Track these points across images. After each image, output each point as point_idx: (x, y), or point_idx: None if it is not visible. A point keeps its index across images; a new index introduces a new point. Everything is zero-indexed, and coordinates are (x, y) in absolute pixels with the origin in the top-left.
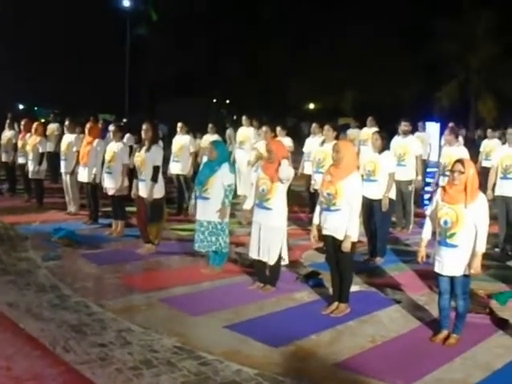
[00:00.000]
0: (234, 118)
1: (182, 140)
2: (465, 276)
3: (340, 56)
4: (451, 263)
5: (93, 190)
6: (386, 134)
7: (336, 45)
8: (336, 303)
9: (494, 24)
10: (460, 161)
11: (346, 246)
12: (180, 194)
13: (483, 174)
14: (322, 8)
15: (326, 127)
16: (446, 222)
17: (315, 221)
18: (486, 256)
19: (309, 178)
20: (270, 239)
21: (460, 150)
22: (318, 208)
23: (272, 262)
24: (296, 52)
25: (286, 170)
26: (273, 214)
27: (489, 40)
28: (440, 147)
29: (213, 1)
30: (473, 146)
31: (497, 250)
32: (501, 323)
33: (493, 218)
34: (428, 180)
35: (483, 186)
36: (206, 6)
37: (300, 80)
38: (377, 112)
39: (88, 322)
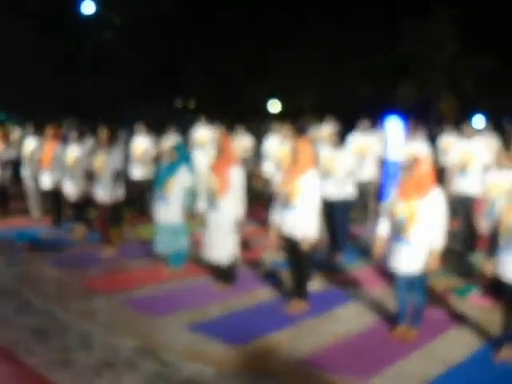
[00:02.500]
0: (198, 120)
1: (143, 143)
2: (422, 271)
3: (302, 56)
4: (407, 259)
5: (55, 195)
6: (345, 132)
7: (299, 45)
8: (295, 301)
9: (455, 24)
10: (414, 157)
11: (305, 244)
12: (141, 195)
13: (441, 170)
14: (284, 9)
15: (285, 126)
16: (401, 219)
17: (274, 219)
18: (445, 251)
19: (268, 177)
20: (223, 238)
21: (420, 146)
22: (276, 206)
23: (226, 259)
24: (257, 53)
25: (237, 179)
26: (223, 213)
27: (450, 39)
28: (401, 144)
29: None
30: (433, 143)
31: (457, 245)
32: (459, 318)
33: (452, 213)
34: (388, 177)
35: (441, 183)
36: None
37: (262, 80)
38: (338, 111)
39: (51, 325)
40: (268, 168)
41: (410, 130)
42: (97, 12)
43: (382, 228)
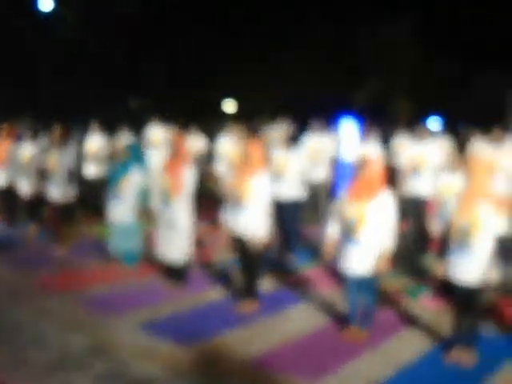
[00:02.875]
0: (154, 119)
1: (96, 141)
2: (371, 273)
3: (260, 56)
4: (357, 260)
5: (9, 194)
6: (298, 133)
7: (257, 45)
8: (247, 301)
9: (415, 27)
10: (364, 158)
11: (255, 244)
12: (95, 194)
13: (394, 171)
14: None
15: (238, 127)
16: (351, 220)
17: (225, 219)
18: (397, 253)
19: (221, 177)
20: (176, 238)
21: (373, 148)
22: (227, 206)
23: (179, 259)
24: (215, 53)
25: (189, 178)
26: (177, 213)
27: (406, 42)
28: (354, 145)
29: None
30: (387, 145)
31: (408, 247)
32: (409, 318)
33: (403, 214)
34: (342, 178)
35: (394, 184)
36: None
37: (220, 80)
38: (295, 111)
39: (3, 324)
40: (220, 168)
41: (364, 132)
42: (53, 10)
43: (332, 229)
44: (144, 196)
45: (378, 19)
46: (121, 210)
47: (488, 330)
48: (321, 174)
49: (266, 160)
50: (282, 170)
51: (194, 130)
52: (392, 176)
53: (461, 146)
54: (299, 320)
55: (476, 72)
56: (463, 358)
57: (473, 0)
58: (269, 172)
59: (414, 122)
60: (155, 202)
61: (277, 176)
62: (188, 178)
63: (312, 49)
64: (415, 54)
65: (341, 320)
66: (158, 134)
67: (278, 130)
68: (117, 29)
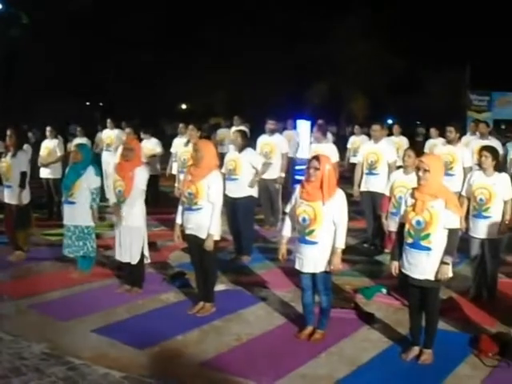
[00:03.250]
0: (108, 120)
1: (50, 144)
2: (326, 272)
3: (209, 57)
4: (311, 260)
5: None
6: (249, 133)
7: (206, 45)
8: (201, 303)
9: (366, 24)
10: (316, 157)
11: (209, 245)
12: (50, 198)
13: (351, 170)
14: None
15: (190, 127)
16: (304, 219)
17: (178, 220)
18: (354, 251)
19: (176, 178)
20: (130, 239)
21: (328, 147)
22: (180, 207)
23: (134, 261)
24: (166, 54)
25: (142, 179)
26: (131, 215)
27: (360, 40)
28: (308, 144)
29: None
30: (344, 143)
31: (365, 245)
32: (366, 317)
33: (360, 213)
34: (297, 177)
35: (350, 182)
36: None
37: (172, 82)
38: (248, 111)
39: None
40: (175, 168)
41: (319, 130)
42: (4, 10)
43: (287, 229)
44: (97, 198)
45: (328, 17)
46: (75, 214)
47: (444, 328)
48: (274, 173)
49: (218, 160)
50: (233, 168)
51: (148, 131)
52: (348, 174)
53: (415, 143)
54: (254, 321)
55: (428, 69)
56: (420, 356)
57: None
58: (221, 171)
59: (369, 118)
60: (111, 204)
61: (230, 175)
62: (141, 179)
63: (262, 48)
64: (367, 52)
65: (297, 321)
66: (111, 134)
67: (233, 130)
68: (69, 28)
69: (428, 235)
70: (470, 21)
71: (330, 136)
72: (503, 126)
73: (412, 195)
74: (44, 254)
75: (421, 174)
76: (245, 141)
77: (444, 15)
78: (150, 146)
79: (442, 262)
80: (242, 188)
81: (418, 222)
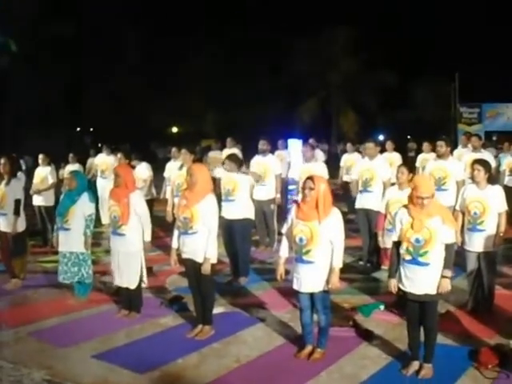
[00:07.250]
0: (99, 146)
1: (42, 172)
2: (324, 291)
3: (198, 79)
4: (309, 279)
5: None
6: (241, 154)
7: (193, 67)
8: (200, 326)
9: (353, 40)
10: (310, 177)
11: (206, 269)
12: (44, 225)
13: (345, 188)
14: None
15: (183, 151)
16: (301, 239)
17: (174, 245)
18: (350, 269)
19: (170, 202)
20: (127, 264)
21: (317, 166)
22: (176, 232)
23: (132, 286)
24: (155, 78)
25: (139, 205)
26: (127, 240)
27: (347, 56)
28: (301, 164)
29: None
30: (336, 161)
31: (361, 262)
32: (366, 335)
33: (356, 231)
34: (289, 197)
35: (344, 200)
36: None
37: (162, 105)
38: (239, 132)
39: None
40: (169, 193)
41: (310, 150)
42: None
43: (284, 249)
44: (92, 224)
45: (314, 32)
46: (70, 240)
47: (443, 342)
48: (269, 194)
49: (212, 183)
50: (231, 190)
51: (140, 156)
52: (343, 192)
53: (407, 159)
54: (253, 343)
55: (417, 82)
56: (420, 371)
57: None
58: (216, 194)
59: (360, 136)
60: (107, 230)
61: (226, 196)
62: (137, 203)
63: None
64: (355, 67)
65: (296, 341)
66: (105, 160)
67: (226, 152)
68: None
69: (427, 252)
70: (456, 33)
71: (321, 154)
72: (494, 138)
73: (409, 213)
74: (40, 281)
75: (425, 202)
76: (238, 163)
77: (431, 29)
78: (142, 170)
79: (442, 276)
80: (239, 210)
81: (418, 240)
